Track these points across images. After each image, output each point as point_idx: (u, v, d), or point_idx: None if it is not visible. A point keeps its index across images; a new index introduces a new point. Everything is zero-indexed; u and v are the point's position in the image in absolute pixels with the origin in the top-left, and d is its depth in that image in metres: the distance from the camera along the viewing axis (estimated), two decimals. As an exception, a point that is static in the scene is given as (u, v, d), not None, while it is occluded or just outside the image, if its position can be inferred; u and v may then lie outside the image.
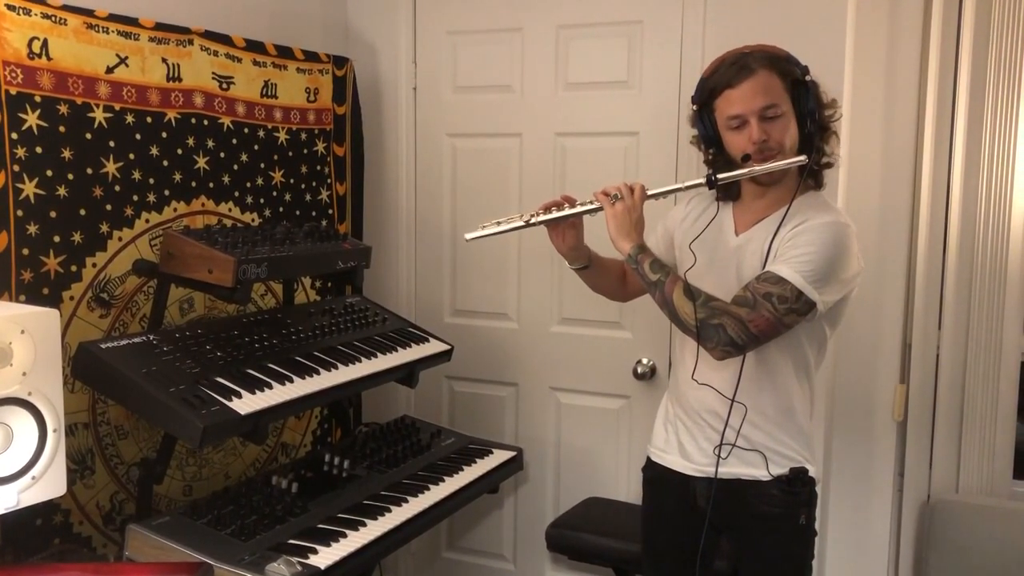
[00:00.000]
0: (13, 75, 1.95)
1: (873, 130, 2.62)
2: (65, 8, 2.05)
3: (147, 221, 2.29)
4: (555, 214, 1.99)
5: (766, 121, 1.82)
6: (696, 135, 1.98)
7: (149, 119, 2.28)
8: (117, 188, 2.21)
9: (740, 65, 1.82)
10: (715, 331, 1.79)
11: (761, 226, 1.92)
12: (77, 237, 2.12)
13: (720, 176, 1.88)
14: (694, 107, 1.93)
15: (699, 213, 2.05)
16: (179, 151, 2.37)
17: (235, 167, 2.55)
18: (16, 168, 1.97)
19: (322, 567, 1.85)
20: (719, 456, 1.93)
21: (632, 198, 1.88)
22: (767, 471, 1.93)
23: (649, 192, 1.92)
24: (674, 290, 1.84)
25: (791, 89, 1.84)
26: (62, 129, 2.06)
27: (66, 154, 2.08)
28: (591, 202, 1.96)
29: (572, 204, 2.00)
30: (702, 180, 1.90)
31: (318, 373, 2.16)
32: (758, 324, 1.79)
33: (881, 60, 2.60)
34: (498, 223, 2.02)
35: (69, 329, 2.10)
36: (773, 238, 1.86)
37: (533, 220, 1.99)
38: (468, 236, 2.03)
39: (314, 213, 2.85)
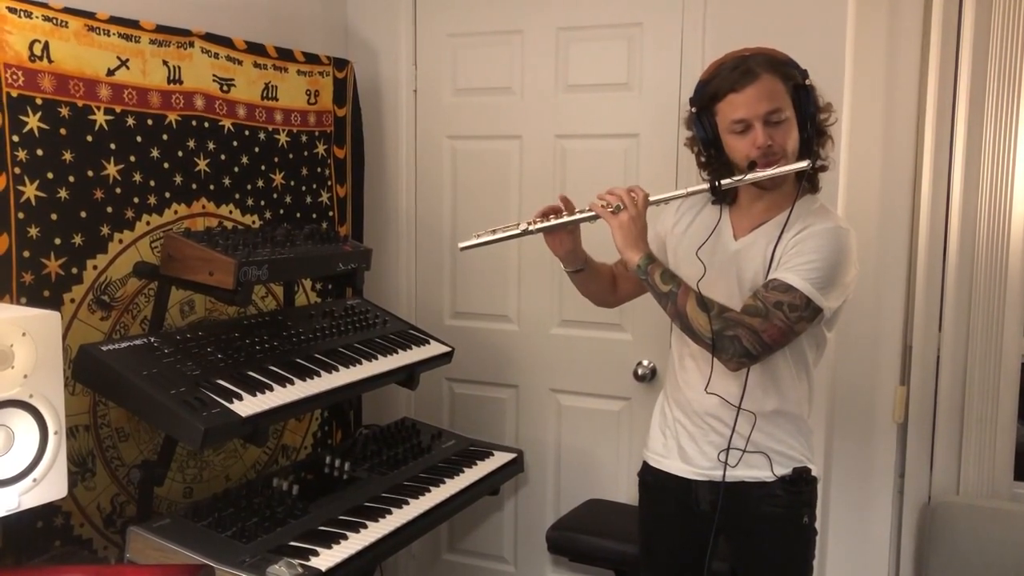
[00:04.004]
0: (14, 77, 1.95)
1: (873, 132, 2.62)
2: (66, 11, 2.05)
3: (148, 223, 2.29)
4: (552, 222, 1.97)
5: (770, 126, 1.82)
6: (691, 136, 1.98)
7: (150, 121, 2.28)
8: (118, 190, 2.21)
9: (743, 69, 1.81)
10: (730, 343, 1.79)
11: (762, 231, 1.92)
12: (78, 239, 2.12)
13: (724, 182, 1.87)
14: (692, 109, 1.93)
15: (692, 217, 2.04)
16: (180, 153, 2.37)
17: (236, 169, 2.55)
18: (17, 171, 1.97)
19: (323, 569, 1.85)
20: (726, 463, 1.93)
21: (636, 207, 1.87)
22: (771, 472, 1.93)
23: (651, 199, 1.91)
24: (687, 302, 1.83)
25: (793, 93, 1.84)
26: (63, 131, 2.06)
27: (67, 156, 2.08)
28: (589, 209, 1.93)
29: (570, 208, 1.98)
30: (706, 186, 1.90)
31: (319, 375, 2.16)
32: (771, 334, 1.79)
33: (881, 62, 2.60)
34: (493, 231, 1.99)
35: (70, 331, 2.10)
36: (776, 244, 1.86)
37: (530, 228, 1.97)
38: (461, 245, 2.01)
39: (314, 215, 2.85)
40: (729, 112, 1.84)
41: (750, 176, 1.84)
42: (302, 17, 2.95)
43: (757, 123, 1.81)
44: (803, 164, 1.84)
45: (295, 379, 2.09)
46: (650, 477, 2.10)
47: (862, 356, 2.69)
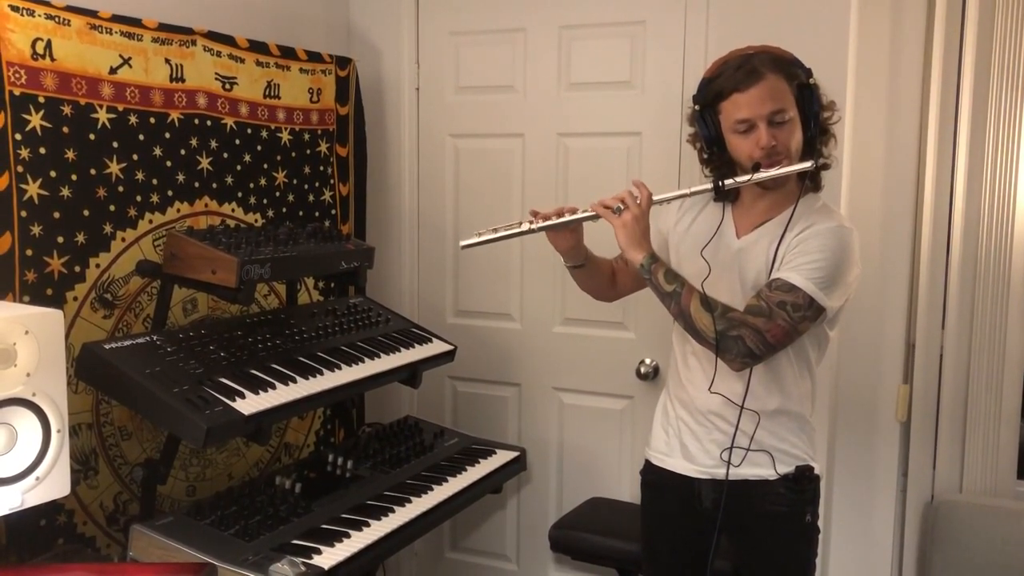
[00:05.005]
0: (17, 76, 1.96)
1: (876, 130, 2.62)
2: (68, 9, 2.05)
3: (150, 222, 2.29)
4: (553, 221, 1.97)
5: (774, 126, 1.81)
6: (693, 133, 1.97)
7: (152, 120, 2.28)
8: (120, 189, 2.21)
9: (748, 69, 1.81)
10: (734, 343, 1.79)
11: (764, 230, 1.92)
12: (80, 238, 2.12)
13: (727, 183, 1.86)
14: (696, 107, 1.92)
15: (695, 215, 2.04)
16: (182, 152, 2.37)
17: (238, 168, 2.55)
18: (20, 169, 1.97)
19: (325, 567, 1.84)
20: (729, 462, 1.93)
21: (639, 207, 1.87)
22: (774, 470, 1.93)
23: (655, 198, 1.90)
24: (691, 302, 1.83)
25: (797, 93, 1.83)
26: (66, 130, 2.06)
27: (70, 155, 2.08)
28: (591, 210, 1.93)
29: (572, 211, 1.98)
30: (709, 186, 1.89)
31: (321, 373, 2.16)
32: (775, 334, 1.79)
33: (884, 60, 2.60)
34: (494, 230, 1.99)
35: (73, 330, 2.10)
36: (779, 243, 1.85)
37: (532, 227, 1.97)
38: (463, 243, 2.01)
39: (317, 214, 2.85)
40: (733, 112, 1.84)
41: (752, 175, 1.84)
42: (304, 15, 2.95)
43: (761, 123, 1.81)
44: (806, 164, 1.84)
45: (298, 377, 2.09)
46: (652, 475, 2.10)
47: (865, 354, 2.69)
